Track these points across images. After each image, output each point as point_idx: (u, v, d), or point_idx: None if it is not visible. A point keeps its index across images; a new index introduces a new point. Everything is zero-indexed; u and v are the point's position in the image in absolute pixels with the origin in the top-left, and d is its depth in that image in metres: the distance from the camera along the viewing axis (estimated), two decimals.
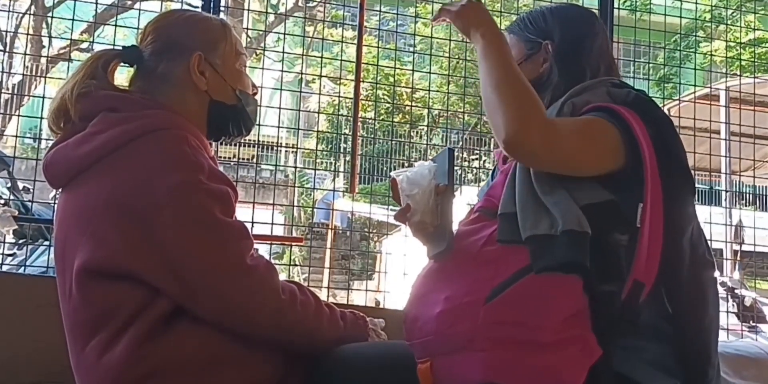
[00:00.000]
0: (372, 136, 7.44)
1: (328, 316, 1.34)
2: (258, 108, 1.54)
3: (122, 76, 1.49)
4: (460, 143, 7.42)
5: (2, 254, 3.38)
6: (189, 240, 1.23)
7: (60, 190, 1.38)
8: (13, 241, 3.83)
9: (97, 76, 1.37)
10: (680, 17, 3.67)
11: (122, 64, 1.44)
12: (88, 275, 1.25)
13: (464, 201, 2.74)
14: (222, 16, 2.62)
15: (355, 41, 2.95)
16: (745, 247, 4.40)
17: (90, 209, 1.26)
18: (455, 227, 1.27)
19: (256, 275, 1.25)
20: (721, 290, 3.82)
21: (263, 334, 1.28)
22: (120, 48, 1.45)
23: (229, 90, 1.44)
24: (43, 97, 2.77)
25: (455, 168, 1.31)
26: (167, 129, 1.30)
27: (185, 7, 2.89)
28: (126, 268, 1.23)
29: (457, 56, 4.59)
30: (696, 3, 3.62)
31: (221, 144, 1.54)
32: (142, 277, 1.23)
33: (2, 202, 3.68)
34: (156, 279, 1.23)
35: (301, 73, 3.41)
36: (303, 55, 3.26)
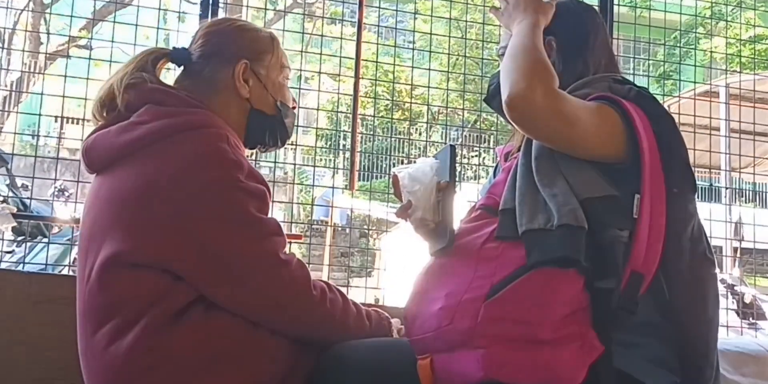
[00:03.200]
0: (371, 133, 7.44)
1: (354, 314, 1.37)
2: (294, 122, 1.56)
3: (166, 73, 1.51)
4: (460, 140, 7.42)
5: (1, 251, 3.37)
6: (225, 234, 1.25)
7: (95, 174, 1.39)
8: (12, 238, 3.83)
9: (146, 69, 1.40)
10: (680, 14, 3.65)
11: (171, 62, 1.47)
12: (114, 263, 1.26)
13: (464, 198, 2.74)
14: (221, 12, 2.61)
15: (355, 38, 2.93)
16: (744, 244, 4.40)
17: (125, 197, 1.28)
18: (456, 224, 1.27)
19: (289, 270, 1.28)
20: (720, 287, 3.82)
21: (291, 328, 1.31)
22: (171, 48, 1.48)
23: (270, 100, 1.47)
24: (42, 94, 2.75)
25: (456, 165, 1.31)
26: (210, 127, 1.32)
27: (183, 3, 2.88)
28: (154, 259, 1.24)
29: (456, 53, 4.59)
30: None
31: (257, 152, 1.57)
32: (169, 267, 1.24)
33: (1, 199, 3.68)
34: (186, 270, 1.24)
35: (300, 70, 3.41)
36: (302, 51, 3.24)
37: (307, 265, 1.34)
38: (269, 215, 1.33)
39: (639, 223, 1.13)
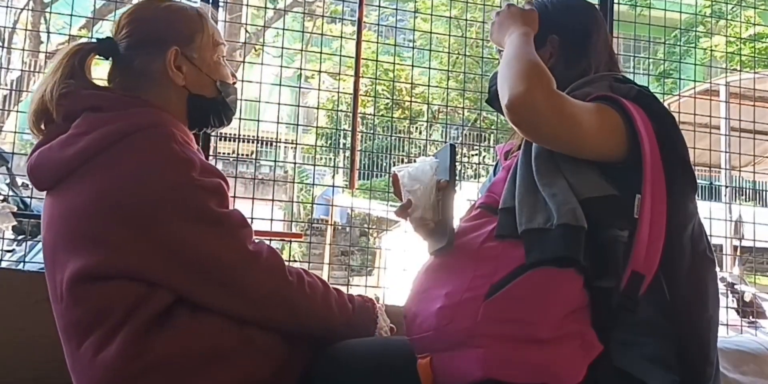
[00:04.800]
0: (371, 131, 7.44)
1: (336, 298, 1.35)
2: (237, 96, 1.51)
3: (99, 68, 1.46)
4: (460, 139, 7.41)
5: (1, 250, 3.37)
6: (189, 234, 1.23)
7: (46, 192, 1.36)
8: (12, 237, 3.82)
9: (75, 74, 1.35)
10: (680, 12, 3.65)
11: (98, 57, 1.42)
12: (83, 279, 1.24)
13: (464, 197, 2.73)
14: (221, 11, 2.61)
15: (355, 37, 2.93)
16: (744, 243, 4.40)
17: (81, 212, 1.25)
18: (456, 223, 1.27)
19: (260, 260, 1.26)
20: (720, 286, 3.82)
21: (275, 318, 1.29)
22: (95, 41, 1.42)
23: (208, 83, 1.42)
24: None
25: (456, 164, 1.31)
26: (153, 127, 1.29)
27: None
28: (123, 269, 1.22)
29: (456, 52, 4.58)
30: None
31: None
32: (141, 275, 1.22)
33: (1, 197, 3.68)
34: (158, 276, 1.23)
35: (300, 69, 3.41)
36: (302, 50, 3.24)
37: (279, 252, 1.31)
38: (231, 207, 1.30)
39: (640, 224, 1.13)
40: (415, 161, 1.33)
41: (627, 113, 1.20)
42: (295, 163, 5.62)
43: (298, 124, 3.30)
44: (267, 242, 1.34)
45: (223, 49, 1.47)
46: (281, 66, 2.94)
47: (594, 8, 1.46)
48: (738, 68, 4.29)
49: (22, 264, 3.42)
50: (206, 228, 1.24)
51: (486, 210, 1.26)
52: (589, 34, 1.39)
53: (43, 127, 1.35)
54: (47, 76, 1.37)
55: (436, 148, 1.37)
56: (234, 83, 1.49)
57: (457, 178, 1.31)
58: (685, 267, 1.18)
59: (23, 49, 3.80)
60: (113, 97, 1.34)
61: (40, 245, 3.75)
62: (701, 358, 1.19)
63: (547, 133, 1.17)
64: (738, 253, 4.72)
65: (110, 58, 1.42)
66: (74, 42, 1.41)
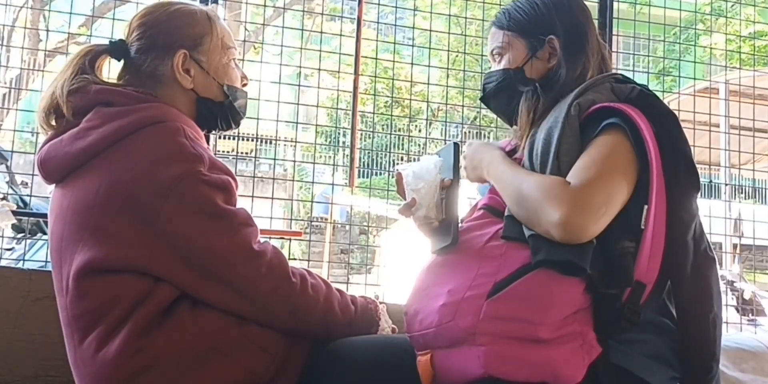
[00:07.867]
0: (371, 129, 7.44)
1: (339, 299, 1.36)
2: (247, 100, 1.52)
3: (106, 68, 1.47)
4: (460, 137, 7.41)
5: (1, 248, 3.37)
6: (195, 230, 1.23)
7: (54, 185, 1.36)
8: (12, 235, 3.82)
9: (85, 72, 1.36)
10: (680, 10, 3.65)
11: (110, 56, 1.43)
12: (90, 272, 1.24)
13: (466, 195, 2.73)
14: (220, 8, 2.60)
15: (354, 35, 2.93)
16: (744, 241, 4.40)
17: (89, 204, 1.26)
18: (460, 222, 1.27)
19: (264, 260, 1.26)
20: (720, 284, 3.83)
21: (276, 318, 1.29)
22: (107, 43, 1.44)
23: (215, 86, 1.43)
24: (41, 92, 2.74)
25: (460, 162, 1.31)
26: (164, 122, 1.29)
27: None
28: (129, 262, 1.23)
29: (456, 50, 4.58)
30: None
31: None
32: (146, 269, 1.23)
33: (1, 196, 3.68)
34: (163, 270, 1.23)
35: (300, 67, 3.40)
36: (302, 48, 3.24)
37: (282, 252, 1.32)
38: (237, 205, 1.30)
39: (645, 234, 1.13)
40: (418, 159, 1.33)
41: (634, 127, 1.17)
42: (294, 161, 5.60)
43: (297, 122, 3.30)
44: (269, 241, 1.34)
45: (233, 52, 1.47)
46: (281, 64, 2.94)
47: (582, 5, 1.42)
48: (738, 66, 4.29)
49: (21, 262, 3.42)
50: (210, 223, 1.24)
51: (489, 211, 1.26)
52: (585, 32, 1.37)
53: (53, 122, 1.36)
54: (58, 75, 1.38)
55: (436, 146, 1.37)
56: (244, 86, 1.50)
57: (461, 176, 1.31)
58: (689, 268, 1.17)
59: (22, 47, 3.79)
60: (124, 93, 1.35)
61: (39, 243, 3.77)
62: (708, 356, 1.19)
63: (603, 225, 1.12)
64: (738, 251, 4.72)
65: (122, 60, 1.43)
66: (80, 43, 1.42)
